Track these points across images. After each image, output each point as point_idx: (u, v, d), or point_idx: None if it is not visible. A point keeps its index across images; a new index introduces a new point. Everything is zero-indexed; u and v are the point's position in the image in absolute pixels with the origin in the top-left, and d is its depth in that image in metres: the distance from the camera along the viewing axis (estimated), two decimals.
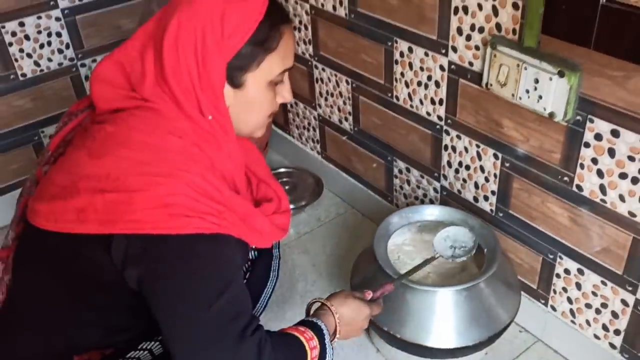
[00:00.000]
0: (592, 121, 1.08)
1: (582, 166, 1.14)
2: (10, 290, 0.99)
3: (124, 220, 0.81)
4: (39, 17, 1.70)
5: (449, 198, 1.49)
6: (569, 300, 1.30)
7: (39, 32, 1.72)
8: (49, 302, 0.93)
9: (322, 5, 1.58)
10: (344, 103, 1.69)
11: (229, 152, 0.95)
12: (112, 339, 0.95)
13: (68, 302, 0.91)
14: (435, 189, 1.52)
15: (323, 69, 1.70)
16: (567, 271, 1.28)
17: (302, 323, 0.98)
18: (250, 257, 1.23)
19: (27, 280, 0.96)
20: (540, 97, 1.11)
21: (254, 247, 1.20)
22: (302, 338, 0.93)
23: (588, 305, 1.27)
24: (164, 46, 0.88)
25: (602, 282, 1.21)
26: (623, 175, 1.08)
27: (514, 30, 1.13)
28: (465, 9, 1.21)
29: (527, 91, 1.13)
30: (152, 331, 0.93)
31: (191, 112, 0.90)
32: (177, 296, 0.82)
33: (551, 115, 1.12)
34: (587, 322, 1.29)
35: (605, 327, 1.26)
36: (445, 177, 1.47)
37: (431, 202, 1.54)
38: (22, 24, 1.68)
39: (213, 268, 0.84)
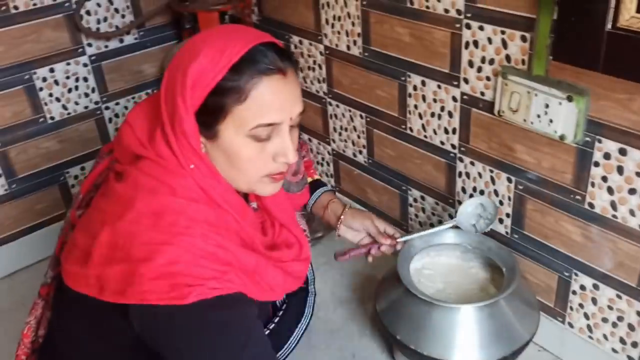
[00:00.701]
0: (600, 141, 1.17)
1: (593, 184, 1.22)
2: (50, 326, 1.05)
3: (133, 292, 0.83)
4: (68, 64, 1.80)
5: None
6: (586, 316, 1.36)
7: (68, 77, 1.81)
8: (84, 347, 0.97)
9: (337, 45, 1.68)
10: (358, 137, 1.77)
11: (225, 201, 0.94)
12: None
13: (101, 350, 0.95)
14: (450, 215, 1.59)
15: (337, 105, 1.79)
16: (582, 287, 1.33)
17: None
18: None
19: (65, 322, 1.00)
20: (551, 121, 1.20)
21: None
22: None
23: (604, 320, 1.32)
24: (160, 101, 0.92)
25: (617, 296, 1.27)
26: (632, 191, 1.16)
27: (522, 61, 1.23)
28: (476, 43, 1.31)
29: (538, 116, 1.22)
30: None
31: (181, 161, 0.91)
32: (187, 355, 0.84)
33: (562, 137, 1.20)
34: (605, 336, 1.34)
35: (622, 341, 1.31)
36: (460, 203, 1.54)
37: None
38: (52, 70, 1.77)
39: (225, 334, 0.85)
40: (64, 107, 1.83)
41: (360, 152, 1.79)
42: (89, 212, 0.97)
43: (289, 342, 1.21)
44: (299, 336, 1.23)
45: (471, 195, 1.49)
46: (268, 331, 1.11)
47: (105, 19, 1.82)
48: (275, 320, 1.20)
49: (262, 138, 0.91)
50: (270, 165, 0.94)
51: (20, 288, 1.83)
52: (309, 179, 1.37)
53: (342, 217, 1.32)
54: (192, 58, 0.88)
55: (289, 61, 0.92)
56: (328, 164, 1.96)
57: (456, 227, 1.37)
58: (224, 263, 0.87)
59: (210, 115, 0.89)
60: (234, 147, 0.91)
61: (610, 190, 1.19)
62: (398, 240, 1.33)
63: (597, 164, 1.19)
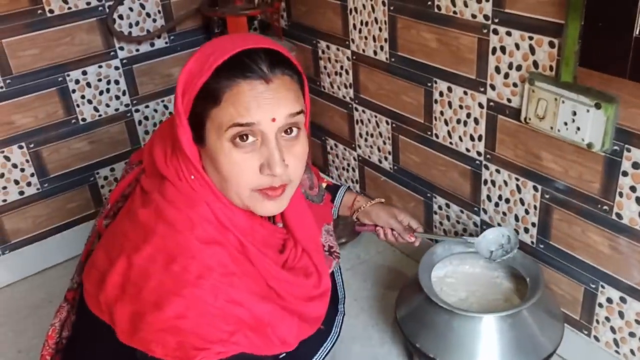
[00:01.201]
0: (629, 150, 1.14)
1: (620, 194, 1.19)
2: (75, 328, 1.06)
3: (140, 339, 0.84)
4: (100, 66, 1.84)
5: None
6: (612, 329, 1.32)
7: (99, 80, 1.85)
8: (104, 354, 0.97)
9: (363, 50, 1.68)
10: (384, 143, 1.76)
11: (229, 219, 0.92)
12: None
13: None
14: (475, 223, 1.57)
15: (363, 111, 1.79)
16: (609, 300, 1.30)
17: None
18: None
19: (84, 329, 1.00)
20: (578, 128, 1.17)
21: None
22: None
23: (632, 334, 1.29)
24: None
25: None
26: None
27: (550, 67, 1.21)
28: (503, 49, 1.29)
29: (565, 123, 1.19)
30: None
31: (185, 172, 0.91)
32: None
33: (589, 146, 1.17)
34: (632, 351, 1.30)
35: None
36: (485, 211, 1.52)
37: (471, 236, 1.58)
38: (84, 73, 1.81)
39: None
40: (96, 109, 1.87)
41: (386, 158, 1.79)
42: (112, 231, 0.97)
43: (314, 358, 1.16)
44: (325, 353, 1.17)
45: (497, 204, 1.47)
46: (284, 355, 1.03)
47: (137, 23, 1.86)
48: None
49: (241, 144, 0.86)
50: (256, 178, 0.89)
51: (51, 285, 1.87)
52: (323, 185, 1.37)
53: (365, 210, 1.35)
54: (184, 67, 0.89)
55: (280, 69, 0.87)
56: (354, 170, 1.96)
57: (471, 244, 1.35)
58: (233, 321, 0.86)
59: (197, 120, 0.88)
60: (217, 152, 0.88)
61: (638, 201, 1.16)
62: (416, 235, 1.33)
63: (625, 174, 1.16)
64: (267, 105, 0.85)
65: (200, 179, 0.91)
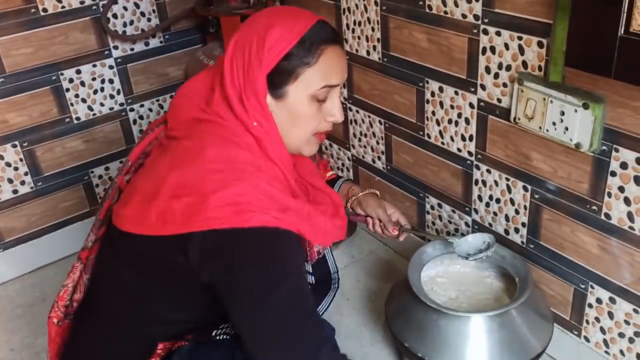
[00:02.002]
0: (617, 150, 1.14)
1: (609, 195, 1.19)
2: (90, 288, 1.09)
3: (198, 219, 0.90)
4: (94, 65, 1.84)
5: (480, 231, 1.53)
6: (602, 330, 1.32)
7: (94, 79, 1.85)
8: (132, 299, 1.02)
9: (357, 50, 1.68)
10: (377, 143, 1.77)
11: (279, 158, 1.03)
12: (191, 328, 1.03)
13: (150, 299, 1.00)
14: (466, 223, 1.57)
15: (357, 111, 1.79)
16: (599, 300, 1.30)
17: None
18: (310, 281, 1.31)
19: (111, 278, 1.04)
20: (567, 128, 1.17)
21: (311, 271, 1.31)
22: None
23: (621, 335, 1.29)
24: (224, 61, 1.01)
25: (634, 310, 1.24)
26: None
27: (539, 67, 1.21)
28: (493, 49, 1.29)
29: (554, 123, 1.19)
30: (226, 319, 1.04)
31: (244, 119, 1.00)
32: (243, 284, 0.91)
33: (577, 146, 1.17)
34: (621, 352, 1.30)
35: (639, 357, 1.27)
36: (477, 211, 1.52)
37: (463, 235, 1.58)
38: (78, 72, 1.82)
39: (276, 261, 0.93)
40: (90, 108, 1.88)
41: (379, 158, 1.79)
42: (149, 164, 1.04)
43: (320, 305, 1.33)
44: (329, 302, 1.36)
45: (487, 204, 1.47)
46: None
47: (131, 22, 1.86)
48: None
49: (320, 99, 1.03)
50: (321, 124, 1.07)
51: (44, 284, 1.87)
52: (328, 174, 1.44)
53: (358, 198, 1.39)
54: (268, 27, 0.99)
55: (338, 36, 1.08)
56: (348, 170, 1.96)
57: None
58: (285, 205, 0.95)
59: (282, 76, 1.00)
60: (299, 106, 1.02)
61: (627, 201, 1.16)
62: (401, 229, 1.35)
63: (613, 174, 1.16)
64: (345, 69, 1.06)
65: (265, 125, 1.01)
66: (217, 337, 1.04)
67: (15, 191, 1.82)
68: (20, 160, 1.80)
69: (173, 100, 1.09)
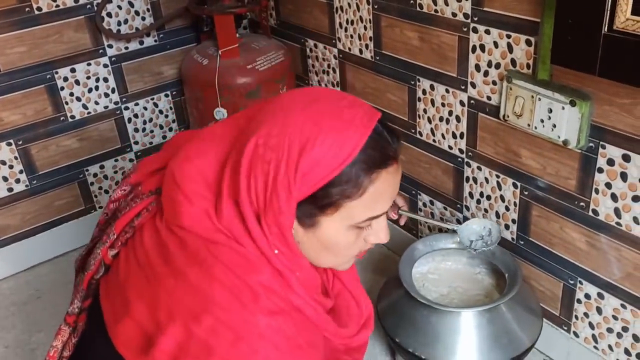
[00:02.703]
0: (604, 147, 1.15)
1: (596, 191, 1.20)
2: (77, 351, 1.01)
3: None
4: (89, 64, 1.85)
5: None
6: (591, 325, 1.33)
7: (88, 78, 1.86)
8: None
9: (349, 49, 1.70)
10: None
11: (301, 281, 0.85)
12: None
13: None
14: (458, 220, 1.58)
15: None
16: (587, 296, 1.31)
17: None
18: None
19: (98, 352, 0.94)
20: (554, 125, 1.19)
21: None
22: None
23: (609, 330, 1.30)
24: (241, 165, 0.79)
25: (622, 306, 1.25)
26: (636, 198, 1.14)
27: (527, 65, 1.22)
28: (482, 47, 1.30)
29: (542, 121, 1.21)
30: None
31: (262, 245, 0.81)
32: None
33: (565, 142, 1.19)
34: (610, 347, 1.32)
35: (627, 352, 1.28)
36: (468, 208, 1.53)
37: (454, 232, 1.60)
38: (73, 70, 1.83)
39: None
40: (84, 107, 1.89)
41: None
42: (143, 265, 0.87)
43: None
44: None
45: (478, 201, 1.48)
46: None
47: (125, 21, 1.87)
48: None
49: (363, 227, 0.84)
50: (362, 246, 0.88)
51: (38, 282, 1.88)
52: None
53: None
54: (305, 142, 0.76)
55: (397, 140, 0.83)
56: None
57: (454, 231, 1.36)
58: None
59: (316, 206, 0.80)
60: (335, 237, 0.83)
61: (614, 197, 1.17)
62: (400, 213, 1.26)
63: (600, 170, 1.18)
64: (395, 193, 0.85)
65: (287, 254, 0.82)
66: None
67: (10, 189, 1.83)
68: (15, 158, 1.81)
69: (173, 192, 0.85)
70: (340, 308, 0.98)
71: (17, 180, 1.84)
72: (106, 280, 0.93)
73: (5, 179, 1.81)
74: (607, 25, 0.91)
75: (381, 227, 0.86)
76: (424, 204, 1.68)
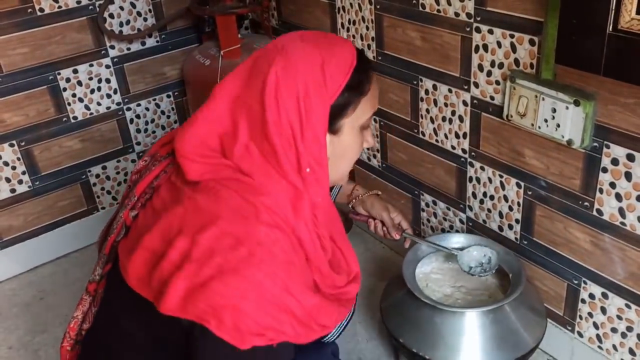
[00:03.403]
0: (608, 147, 1.15)
1: (601, 191, 1.20)
2: (96, 321, 1.07)
3: (194, 309, 0.85)
4: (91, 65, 1.85)
5: (474, 228, 1.54)
6: (595, 325, 1.33)
7: (90, 79, 1.86)
8: (128, 345, 0.99)
9: None
10: None
11: (317, 213, 0.96)
12: None
13: (144, 349, 0.97)
14: (461, 220, 1.58)
15: None
16: (591, 296, 1.31)
17: None
18: None
19: (113, 323, 1.01)
20: (558, 125, 1.18)
21: None
22: None
23: (614, 330, 1.30)
24: (265, 102, 0.89)
25: (627, 305, 1.25)
26: None
27: (531, 65, 1.22)
28: (486, 47, 1.30)
29: (546, 120, 1.20)
30: None
31: (288, 169, 0.91)
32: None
33: (569, 142, 1.19)
34: (614, 347, 1.31)
35: (632, 352, 1.28)
36: (471, 208, 1.53)
37: (457, 232, 1.60)
38: (75, 71, 1.83)
39: None
40: (87, 108, 1.89)
41: (374, 156, 1.80)
42: (158, 209, 0.97)
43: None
44: (341, 330, 1.21)
45: (482, 201, 1.48)
46: None
47: (127, 22, 1.87)
48: None
49: (365, 127, 1.02)
50: (361, 151, 1.05)
51: (41, 283, 1.88)
52: None
53: (361, 198, 1.38)
54: (323, 58, 0.92)
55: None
56: None
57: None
58: (284, 310, 0.89)
59: (341, 109, 0.95)
60: (353, 139, 1.00)
61: (618, 197, 1.17)
62: (404, 235, 1.35)
63: (605, 170, 1.17)
64: (378, 90, 1.05)
65: (317, 169, 0.93)
66: None
67: (13, 190, 1.83)
68: (18, 159, 1.81)
69: (180, 147, 0.96)
70: (331, 263, 1.06)
71: (20, 181, 1.84)
72: (125, 240, 1.00)
73: (8, 180, 1.81)
74: (611, 25, 0.90)
75: (370, 133, 1.06)
76: (427, 204, 1.68)
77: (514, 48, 1.24)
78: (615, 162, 1.15)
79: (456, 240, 1.45)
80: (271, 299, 0.87)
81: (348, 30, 1.67)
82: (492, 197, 1.45)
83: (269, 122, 0.90)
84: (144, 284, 0.91)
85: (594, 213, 1.23)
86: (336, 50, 0.95)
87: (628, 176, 1.14)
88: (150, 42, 1.94)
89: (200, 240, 0.87)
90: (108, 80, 1.90)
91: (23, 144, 1.81)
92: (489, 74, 1.32)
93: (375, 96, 1.02)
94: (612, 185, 1.17)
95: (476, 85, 1.37)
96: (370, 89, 0.99)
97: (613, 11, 0.90)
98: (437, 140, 1.54)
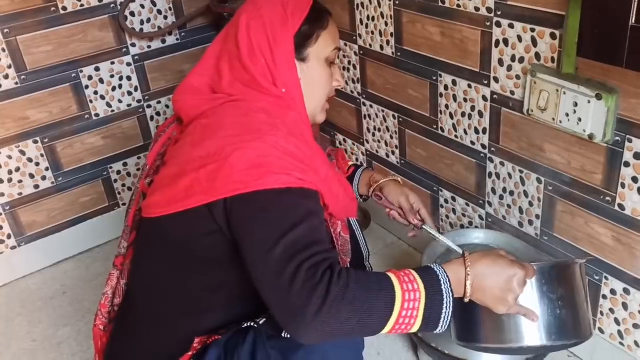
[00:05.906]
0: (630, 141, 1.14)
1: (623, 185, 1.19)
2: (128, 292, 1.10)
3: (222, 185, 0.90)
4: (113, 63, 1.88)
5: (494, 224, 1.54)
6: (617, 321, 1.32)
7: (112, 76, 1.89)
8: (167, 296, 1.02)
9: (370, 45, 1.70)
10: (391, 137, 1.78)
11: (303, 120, 1.07)
12: (225, 323, 1.01)
13: (185, 292, 1.00)
14: (480, 216, 1.58)
15: (371, 106, 1.80)
16: (613, 292, 1.30)
17: (415, 268, 0.93)
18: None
19: (147, 278, 1.06)
20: (580, 119, 1.18)
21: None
22: (393, 278, 0.88)
23: (636, 326, 1.29)
24: (239, 39, 1.03)
25: None
26: None
27: (552, 59, 1.21)
28: (506, 42, 1.30)
29: (567, 115, 1.20)
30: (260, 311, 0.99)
31: (269, 87, 1.03)
32: (258, 230, 0.89)
33: (591, 137, 1.18)
34: (636, 343, 1.30)
35: None
36: (490, 204, 1.53)
37: (477, 229, 1.59)
38: (97, 69, 1.85)
39: (294, 211, 0.90)
40: (108, 105, 1.91)
41: (393, 152, 1.80)
42: (169, 157, 1.04)
43: None
44: None
45: (501, 197, 1.48)
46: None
47: (148, 20, 1.89)
48: None
49: (331, 62, 1.12)
50: (330, 90, 1.14)
51: (64, 278, 1.91)
52: (349, 164, 1.41)
53: (380, 185, 1.36)
54: (278, 2, 1.05)
55: None
56: (362, 164, 1.97)
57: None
58: (304, 162, 0.96)
59: (304, 38, 1.06)
60: (320, 69, 1.10)
61: None
62: (423, 226, 1.29)
63: (627, 164, 1.16)
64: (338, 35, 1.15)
65: (292, 89, 1.05)
66: (246, 325, 1.00)
67: (36, 186, 1.86)
68: (42, 155, 1.84)
69: (177, 101, 1.09)
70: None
71: (43, 178, 1.87)
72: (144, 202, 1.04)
73: (31, 176, 1.84)
74: (634, 17, 0.90)
75: (338, 71, 1.16)
76: (446, 201, 1.67)
77: (534, 42, 1.24)
78: (637, 156, 1.14)
79: (475, 236, 1.45)
80: (289, 153, 0.94)
81: (367, 26, 1.68)
82: (512, 193, 1.45)
83: (244, 55, 1.02)
84: (170, 204, 0.95)
85: (616, 208, 1.22)
86: None
87: None
88: (171, 40, 1.96)
89: (212, 142, 0.95)
90: (129, 78, 1.92)
91: (46, 140, 1.84)
92: (510, 68, 1.32)
93: (333, 33, 1.11)
94: (635, 179, 1.16)
95: (496, 80, 1.36)
96: (328, 25, 1.09)
97: (636, 3, 0.89)
98: (456, 136, 1.54)
